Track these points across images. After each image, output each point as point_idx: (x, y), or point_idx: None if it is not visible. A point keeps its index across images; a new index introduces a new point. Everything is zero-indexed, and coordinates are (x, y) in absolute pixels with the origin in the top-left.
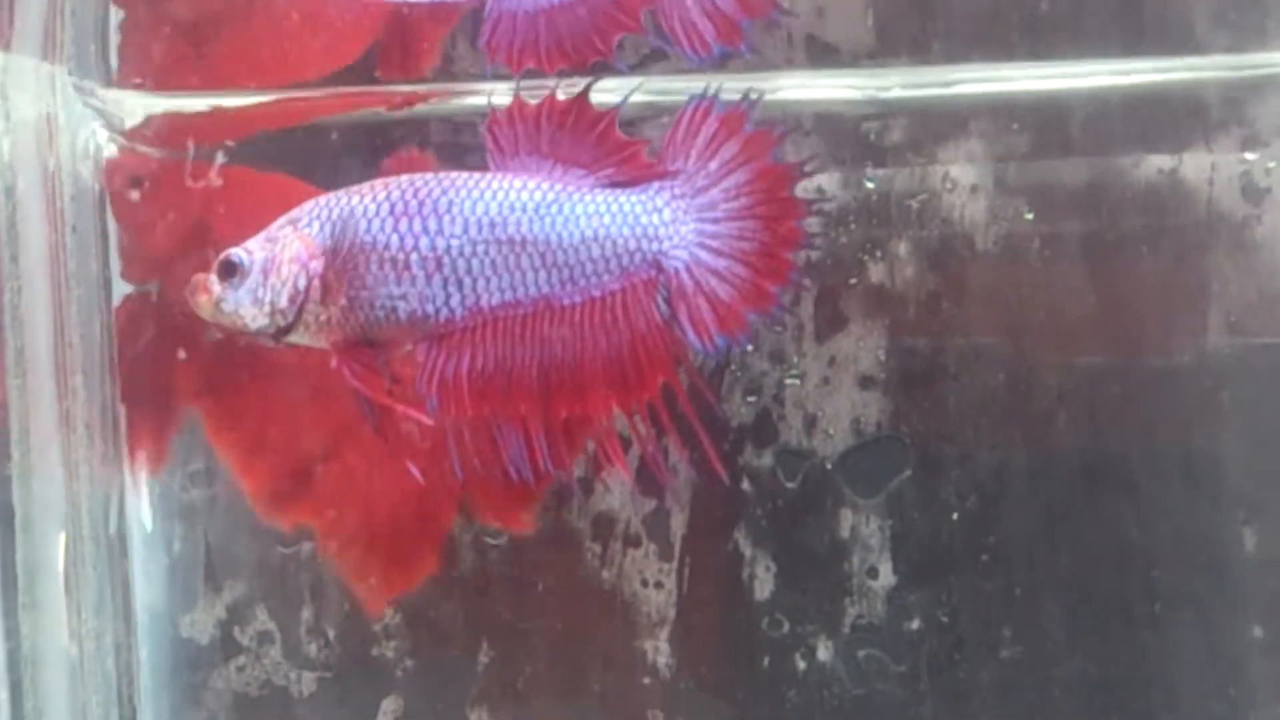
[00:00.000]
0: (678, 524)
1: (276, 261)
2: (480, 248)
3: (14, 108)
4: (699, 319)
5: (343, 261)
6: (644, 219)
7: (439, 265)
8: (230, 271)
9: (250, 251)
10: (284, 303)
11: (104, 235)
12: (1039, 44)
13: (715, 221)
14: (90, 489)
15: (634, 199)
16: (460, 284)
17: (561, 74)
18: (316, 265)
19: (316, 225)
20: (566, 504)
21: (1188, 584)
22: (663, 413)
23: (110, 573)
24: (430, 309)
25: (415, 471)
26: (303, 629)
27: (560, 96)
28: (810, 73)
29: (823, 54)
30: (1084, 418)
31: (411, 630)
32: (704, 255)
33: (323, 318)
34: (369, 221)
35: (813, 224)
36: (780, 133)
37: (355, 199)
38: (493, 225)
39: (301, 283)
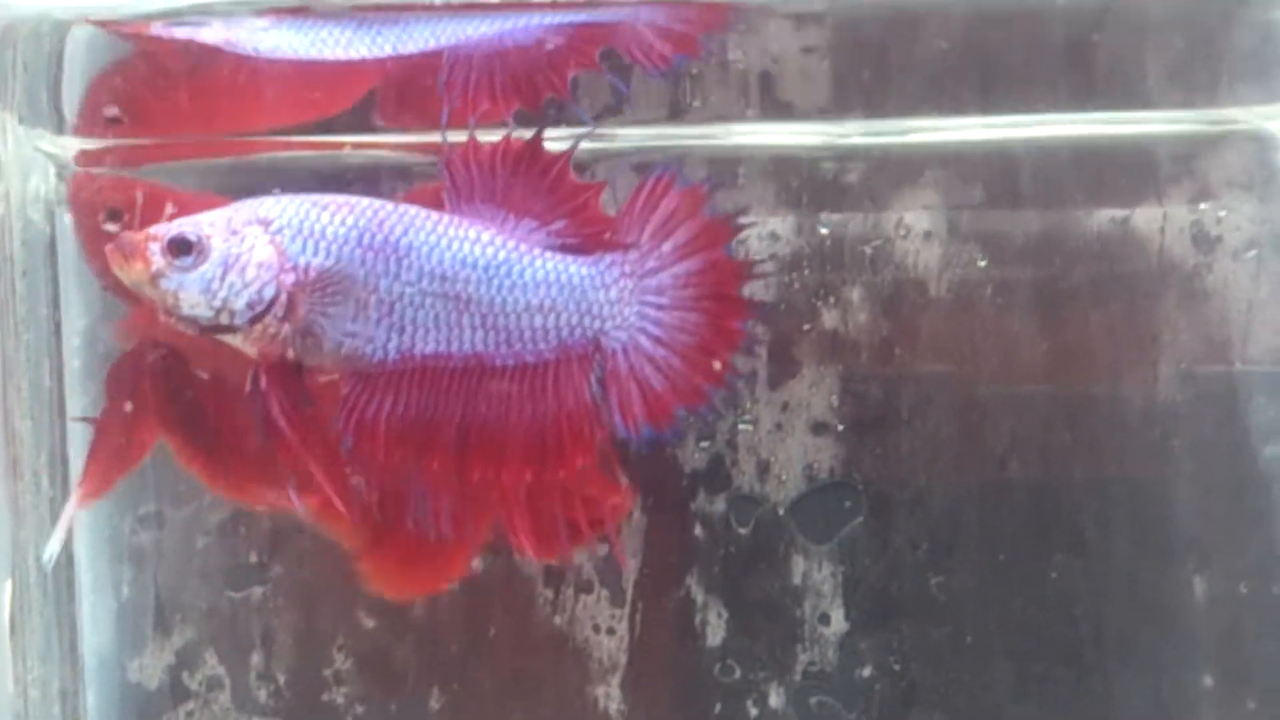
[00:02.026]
0: (630, 570)
1: (241, 260)
2: (428, 300)
3: None
4: (628, 406)
5: (320, 288)
6: (590, 294)
7: (390, 310)
8: (180, 250)
9: (207, 237)
10: (240, 305)
11: (54, 280)
12: (992, 97)
13: (660, 308)
14: (38, 536)
15: (584, 271)
16: (402, 330)
17: (520, 116)
18: (289, 279)
19: (288, 235)
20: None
21: (1138, 632)
22: (572, 495)
23: (57, 618)
24: (369, 349)
25: (294, 498)
26: (253, 674)
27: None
28: (767, 123)
29: (778, 105)
30: (1036, 464)
31: (362, 675)
32: (644, 341)
33: (271, 331)
34: (339, 248)
35: (755, 327)
36: (738, 225)
37: (325, 216)
38: (443, 279)
39: (268, 293)
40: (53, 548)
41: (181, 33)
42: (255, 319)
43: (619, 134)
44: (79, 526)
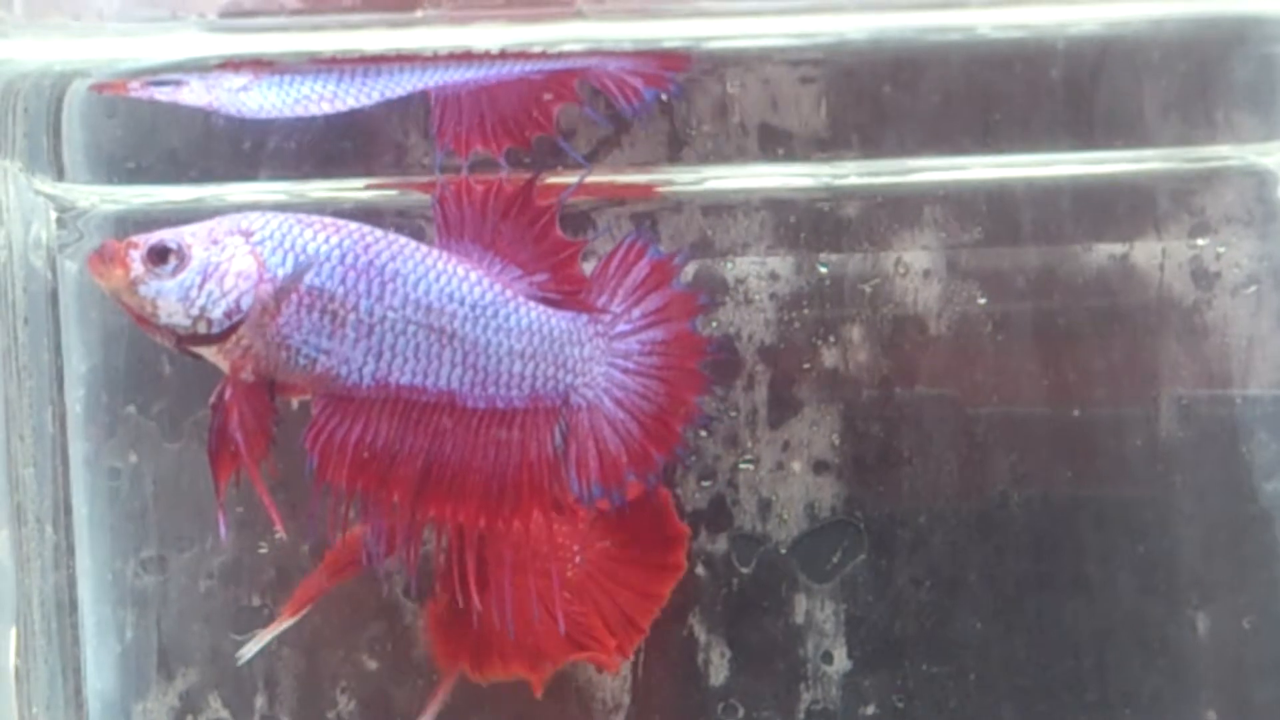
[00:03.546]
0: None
1: (221, 269)
2: (410, 328)
3: None
4: (584, 463)
5: (294, 298)
6: (567, 349)
7: (369, 332)
8: (160, 258)
9: (188, 245)
10: (217, 314)
11: (56, 326)
12: (991, 136)
13: (625, 371)
14: (41, 582)
15: (563, 325)
16: (380, 356)
17: (510, 155)
18: (266, 290)
19: (269, 246)
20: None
21: (1141, 670)
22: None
23: (62, 663)
24: (344, 371)
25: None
26: (256, 717)
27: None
28: (764, 164)
29: (775, 144)
30: (1037, 501)
31: (365, 717)
32: (606, 402)
33: (244, 343)
34: (320, 264)
35: (710, 405)
36: (703, 302)
37: (309, 233)
38: (428, 310)
39: (246, 302)
40: (251, 650)
41: (162, 93)
42: (229, 330)
43: (617, 179)
44: (81, 571)
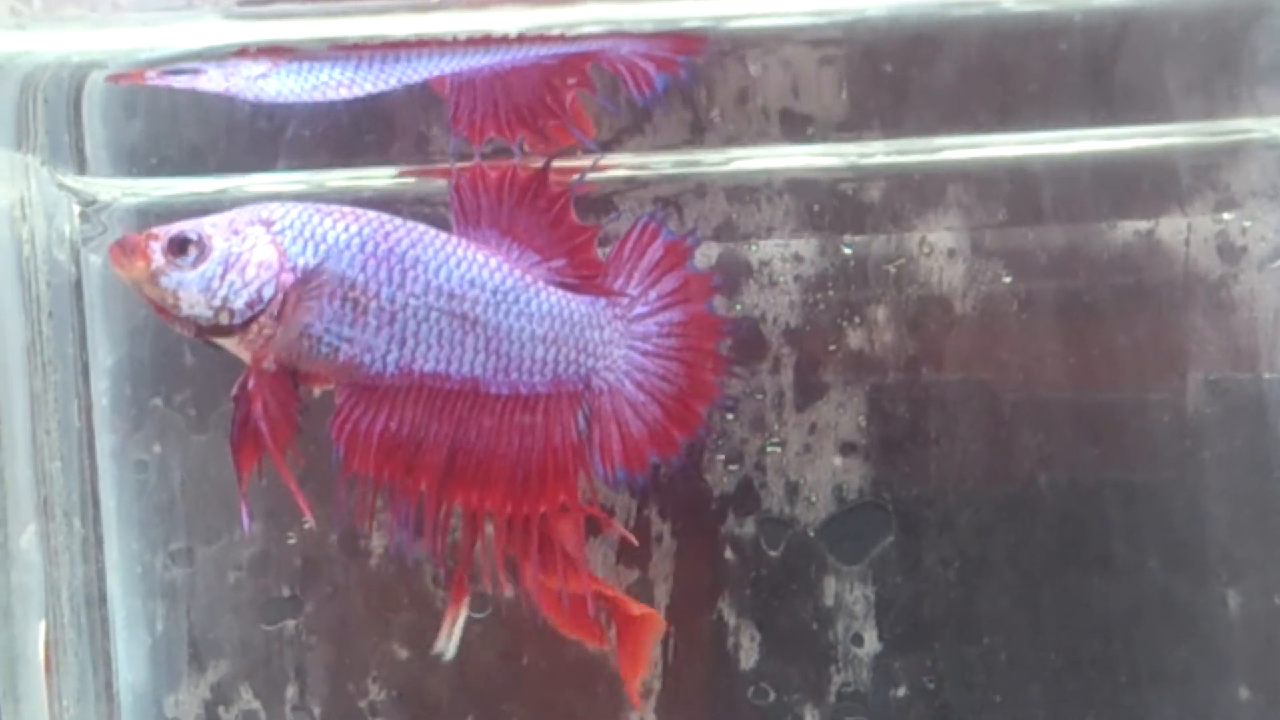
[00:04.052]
0: (661, 594)
1: (242, 259)
2: (433, 315)
3: None
4: (607, 446)
5: (315, 286)
6: (588, 332)
7: (391, 320)
8: (181, 249)
9: (209, 236)
10: (239, 304)
11: (80, 319)
12: (1012, 114)
13: (645, 354)
14: (70, 575)
15: (583, 309)
16: (403, 343)
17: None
18: (287, 279)
19: (289, 236)
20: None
21: (1173, 647)
22: (550, 530)
23: (92, 656)
24: (368, 359)
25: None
26: (288, 707)
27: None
28: (787, 145)
29: (797, 126)
30: (1065, 480)
31: (396, 707)
32: (627, 384)
33: (266, 333)
34: (340, 253)
35: (733, 386)
36: (717, 283)
37: (329, 222)
38: (450, 296)
39: (267, 292)
40: (444, 646)
41: (180, 81)
42: (250, 320)
43: (641, 161)
44: (110, 564)
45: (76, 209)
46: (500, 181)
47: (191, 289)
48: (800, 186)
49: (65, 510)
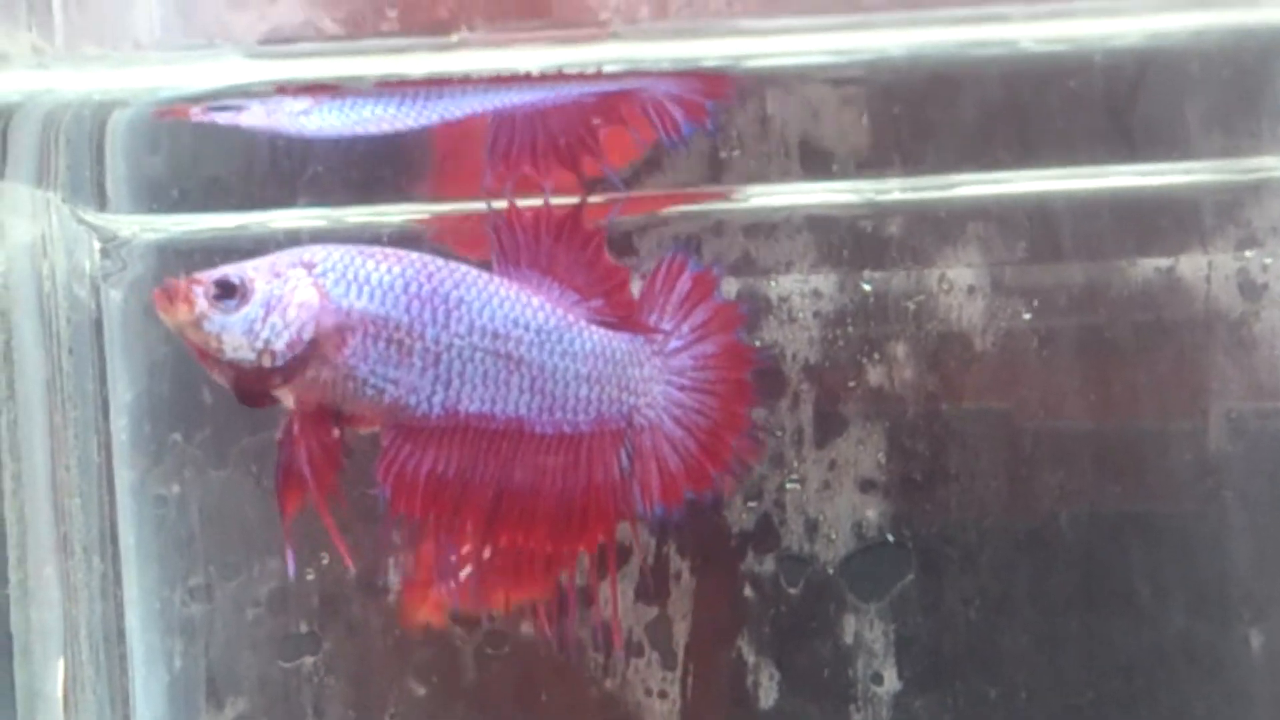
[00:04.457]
0: (680, 632)
1: (284, 302)
2: (478, 355)
3: (9, 232)
4: (647, 483)
5: (358, 328)
6: (630, 370)
7: (436, 361)
8: (226, 293)
9: (251, 279)
10: (280, 346)
11: (100, 355)
12: (1032, 151)
13: (681, 389)
14: (89, 612)
15: (624, 346)
16: (449, 385)
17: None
18: (328, 321)
19: (332, 278)
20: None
21: (1195, 686)
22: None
23: (110, 692)
24: (413, 400)
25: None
26: None
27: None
28: (805, 182)
29: (816, 162)
30: (1086, 518)
31: None
32: (666, 420)
33: (309, 375)
34: (384, 294)
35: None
36: (744, 310)
37: (371, 264)
38: (495, 336)
39: (308, 334)
40: None
41: (223, 118)
42: (293, 362)
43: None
44: (128, 600)
45: (97, 245)
46: (536, 221)
47: (235, 332)
48: (819, 222)
49: (84, 546)
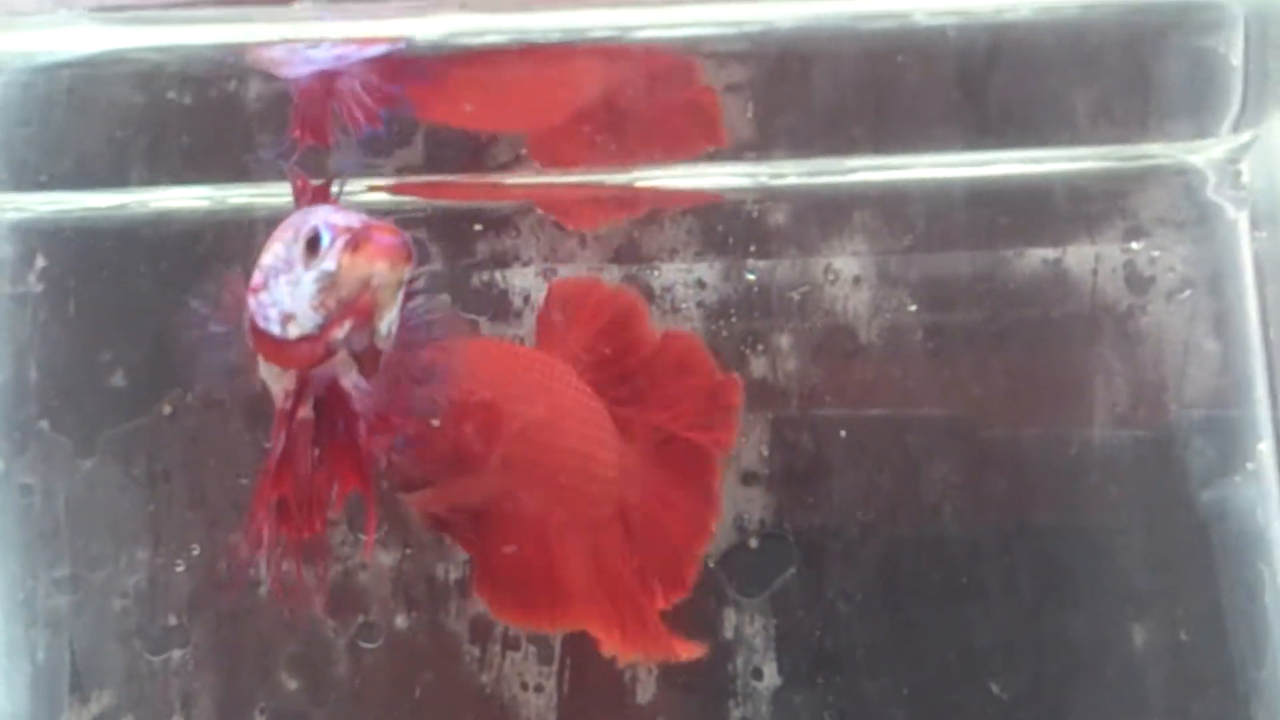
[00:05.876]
0: None
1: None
2: None
3: None
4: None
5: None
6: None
7: None
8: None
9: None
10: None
11: None
12: (921, 137)
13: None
14: None
15: None
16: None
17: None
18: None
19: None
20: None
21: (1079, 683)
22: None
23: None
24: None
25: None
26: None
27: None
28: (690, 165)
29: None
30: (969, 512)
31: None
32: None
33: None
34: None
35: None
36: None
37: None
38: None
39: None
40: None
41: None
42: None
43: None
44: None
45: None
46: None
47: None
48: (704, 209)
49: None
